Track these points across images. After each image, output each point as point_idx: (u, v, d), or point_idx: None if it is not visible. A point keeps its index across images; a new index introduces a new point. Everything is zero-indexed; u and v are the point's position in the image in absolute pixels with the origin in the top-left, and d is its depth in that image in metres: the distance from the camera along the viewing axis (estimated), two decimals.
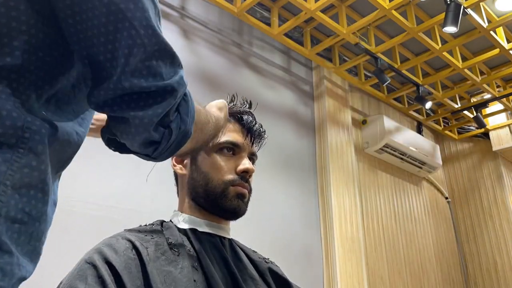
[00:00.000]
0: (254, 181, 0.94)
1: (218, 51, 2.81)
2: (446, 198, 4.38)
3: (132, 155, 0.72)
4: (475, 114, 3.82)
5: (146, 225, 0.88)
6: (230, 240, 0.92)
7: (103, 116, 0.85)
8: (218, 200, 0.87)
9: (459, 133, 4.47)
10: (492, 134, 4.20)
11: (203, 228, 0.88)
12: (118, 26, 0.53)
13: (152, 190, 2.14)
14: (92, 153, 2.05)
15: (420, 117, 4.18)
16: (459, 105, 3.98)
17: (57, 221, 1.92)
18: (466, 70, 3.36)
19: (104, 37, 0.53)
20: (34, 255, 0.52)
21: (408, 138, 3.75)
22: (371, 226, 3.34)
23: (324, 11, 2.92)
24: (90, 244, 0.81)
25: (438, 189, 4.34)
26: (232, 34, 2.97)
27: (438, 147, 4.10)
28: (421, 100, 3.54)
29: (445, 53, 3.15)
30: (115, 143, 0.65)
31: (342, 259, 2.85)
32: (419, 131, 4.28)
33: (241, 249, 0.93)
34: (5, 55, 0.50)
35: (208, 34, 2.80)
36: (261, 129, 0.97)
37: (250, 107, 0.97)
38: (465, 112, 4.00)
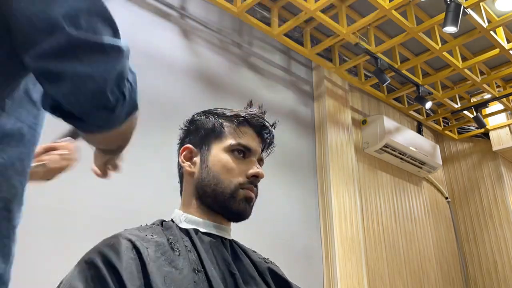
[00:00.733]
0: None
1: (218, 51, 2.81)
2: (446, 198, 4.38)
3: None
4: (475, 114, 3.82)
5: (146, 225, 0.88)
6: (231, 241, 0.92)
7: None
8: (227, 202, 0.87)
9: (459, 133, 4.48)
10: (492, 134, 4.20)
11: (205, 228, 0.88)
12: None
13: (152, 190, 2.14)
14: (92, 153, 2.05)
15: (420, 117, 4.18)
16: (459, 105, 3.98)
17: (57, 221, 1.93)
18: (466, 70, 3.36)
19: None
20: (4, 251, 0.51)
21: (408, 138, 3.75)
22: (371, 226, 3.34)
23: (324, 11, 2.92)
24: (90, 244, 0.81)
25: (438, 189, 4.34)
26: (232, 34, 2.97)
27: (438, 147, 4.10)
28: (421, 100, 3.54)
29: (445, 53, 3.15)
30: (60, 110, 0.60)
31: (342, 259, 2.85)
32: (419, 131, 4.28)
33: (242, 249, 0.93)
34: None
35: (208, 34, 2.80)
36: (273, 138, 0.98)
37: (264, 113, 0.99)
38: (465, 112, 4.00)
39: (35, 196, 1.79)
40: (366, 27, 3.21)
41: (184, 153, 0.94)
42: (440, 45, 3.11)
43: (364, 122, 3.70)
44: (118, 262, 0.71)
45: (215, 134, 0.92)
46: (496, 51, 3.18)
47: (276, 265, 0.97)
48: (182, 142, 0.97)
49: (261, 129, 0.95)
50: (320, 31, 3.34)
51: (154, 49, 2.47)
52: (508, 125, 4.13)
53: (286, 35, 3.06)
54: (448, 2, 2.61)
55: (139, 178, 2.15)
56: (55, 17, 0.53)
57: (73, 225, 1.87)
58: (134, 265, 0.72)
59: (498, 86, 3.90)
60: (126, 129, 0.71)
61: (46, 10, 0.52)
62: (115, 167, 0.87)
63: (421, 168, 3.94)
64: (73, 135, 0.90)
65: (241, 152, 0.91)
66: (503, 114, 4.20)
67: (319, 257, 2.87)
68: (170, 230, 0.85)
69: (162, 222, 0.89)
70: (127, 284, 0.69)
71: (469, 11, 2.72)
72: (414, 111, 4.13)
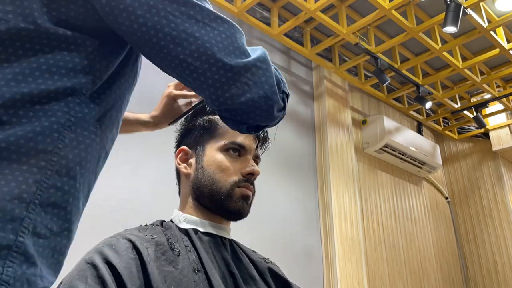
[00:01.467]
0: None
1: None
2: (446, 198, 4.38)
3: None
4: (475, 114, 3.82)
5: (146, 225, 0.88)
6: (231, 241, 0.92)
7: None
8: (223, 201, 0.87)
9: (459, 133, 4.47)
10: (492, 134, 4.20)
11: (204, 228, 0.88)
12: None
13: (152, 190, 2.14)
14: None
15: (420, 117, 4.18)
16: (459, 105, 3.98)
17: None
18: (466, 70, 3.36)
19: None
20: (57, 267, 0.56)
21: (408, 138, 3.75)
22: (371, 226, 3.34)
23: (324, 11, 2.91)
24: (90, 244, 0.81)
25: (438, 189, 4.34)
26: None
27: (438, 147, 4.10)
28: (421, 100, 3.54)
29: (445, 53, 3.15)
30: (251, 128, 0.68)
31: (342, 259, 2.85)
32: (419, 131, 4.28)
33: (241, 249, 0.93)
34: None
35: None
36: (267, 134, 0.97)
37: None
38: (465, 112, 4.00)
39: None
40: (366, 27, 3.21)
41: (180, 155, 0.94)
42: (440, 45, 3.11)
43: (364, 122, 3.70)
44: (118, 262, 0.71)
45: (209, 134, 0.92)
46: (496, 51, 3.18)
47: (276, 265, 0.97)
48: (178, 144, 0.97)
49: None
50: (320, 31, 3.34)
51: None
52: (508, 125, 4.13)
53: (286, 35, 3.06)
54: (448, 2, 2.61)
55: (139, 178, 2.15)
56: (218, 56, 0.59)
57: None
58: (134, 265, 0.72)
59: (498, 86, 3.90)
60: None
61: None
62: None
63: (421, 168, 3.94)
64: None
65: (236, 150, 0.90)
66: (503, 114, 4.20)
67: (319, 257, 2.87)
68: (170, 230, 0.85)
69: (162, 223, 0.89)
70: (127, 284, 0.69)
71: (469, 11, 2.71)
72: (414, 111, 4.13)
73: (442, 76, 3.58)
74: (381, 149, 3.55)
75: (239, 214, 0.89)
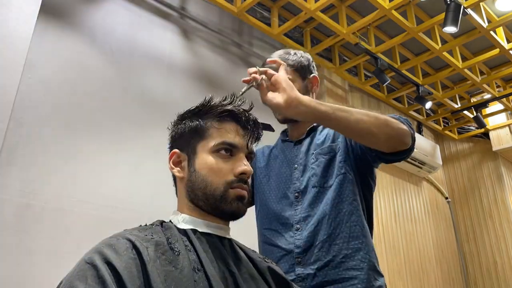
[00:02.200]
0: None
1: (218, 51, 2.81)
2: (446, 198, 4.38)
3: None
4: (475, 114, 3.82)
5: (146, 225, 0.88)
6: (230, 240, 0.92)
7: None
8: (218, 204, 0.86)
9: (459, 133, 4.48)
10: (492, 134, 4.20)
11: (202, 228, 0.87)
12: None
13: (152, 190, 2.14)
14: (93, 154, 2.05)
15: (420, 117, 4.18)
16: (459, 105, 3.98)
17: (57, 221, 1.92)
18: (466, 70, 3.36)
19: None
20: None
21: None
22: None
23: (324, 11, 2.92)
24: (90, 244, 0.81)
25: (438, 189, 4.34)
26: (232, 34, 2.97)
27: (438, 147, 4.10)
28: (421, 100, 3.54)
29: (445, 53, 3.15)
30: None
31: None
32: (419, 131, 4.28)
33: (241, 248, 0.92)
34: None
35: (208, 34, 2.80)
36: (257, 124, 0.95)
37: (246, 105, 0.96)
38: (465, 112, 4.00)
39: (35, 196, 1.80)
40: (366, 27, 3.21)
41: (173, 158, 0.93)
42: (440, 45, 3.11)
43: None
44: (118, 262, 0.71)
45: (198, 135, 0.91)
46: (496, 51, 3.18)
47: (276, 265, 0.97)
48: (170, 147, 0.96)
49: (244, 122, 0.92)
50: (320, 31, 3.34)
51: (154, 49, 2.47)
52: (508, 125, 4.13)
53: (286, 35, 3.06)
54: (448, 2, 2.61)
55: (139, 178, 2.15)
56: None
57: (73, 225, 1.87)
58: (134, 265, 0.72)
59: (498, 86, 3.90)
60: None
61: None
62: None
63: (421, 168, 3.94)
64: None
65: (227, 150, 0.89)
66: (503, 114, 4.21)
67: None
68: (169, 230, 0.85)
69: (161, 223, 0.89)
70: (127, 284, 0.68)
71: (469, 11, 2.72)
72: (414, 111, 4.13)
73: (442, 76, 3.58)
74: None
75: (235, 215, 0.88)
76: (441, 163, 4.05)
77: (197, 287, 0.74)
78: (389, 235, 3.48)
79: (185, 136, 0.93)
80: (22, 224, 1.73)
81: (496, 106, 4.08)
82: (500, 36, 3.08)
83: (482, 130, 4.21)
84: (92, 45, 2.21)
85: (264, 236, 1.29)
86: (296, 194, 1.23)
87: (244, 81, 1.05)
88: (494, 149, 4.15)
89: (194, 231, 0.86)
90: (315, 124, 1.34)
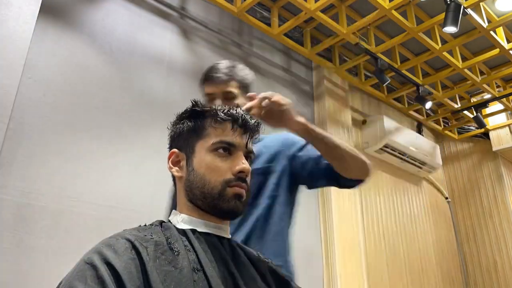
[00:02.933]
0: None
1: (218, 51, 2.81)
2: (446, 198, 4.38)
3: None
4: (475, 114, 3.82)
5: (145, 225, 0.88)
6: (229, 240, 0.92)
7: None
8: (216, 202, 0.86)
9: (459, 133, 4.47)
10: (492, 134, 4.20)
11: (202, 228, 0.87)
12: None
13: (152, 190, 2.14)
14: (93, 154, 2.05)
15: (420, 117, 4.18)
16: (459, 105, 3.98)
17: (57, 221, 1.92)
18: (466, 70, 3.36)
19: None
20: None
21: (408, 138, 3.75)
22: (371, 226, 3.34)
23: (324, 11, 2.92)
24: (90, 244, 0.81)
25: (438, 189, 4.34)
26: (232, 34, 2.97)
27: (438, 147, 4.10)
28: (421, 100, 3.54)
29: (445, 53, 3.15)
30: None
31: (342, 259, 2.85)
32: (419, 131, 4.28)
33: (240, 248, 0.92)
34: None
35: (208, 34, 2.80)
36: (255, 123, 0.95)
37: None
38: (465, 112, 4.00)
39: (35, 196, 1.80)
40: (366, 27, 3.21)
41: (171, 158, 0.93)
42: (440, 45, 3.11)
43: (364, 122, 3.70)
44: (117, 262, 0.71)
45: (197, 134, 0.91)
46: (496, 51, 3.18)
47: (276, 265, 0.97)
48: (169, 147, 0.97)
49: (242, 120, 0.92)
50: (320, 31, 3.34)
51: (154, 49, 2.47)
52: (508, 125, 4.13)
53: (286, 35, 3.06)
54: (448, 2, 2.61)
55: (139, 178, 2.15)
56: None
57: (73, 225, 1.87)
58: (134, 265, 0.72)
59: (498, 86, 3.90)
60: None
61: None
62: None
63: (421, 168, 3.94)
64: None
65: (226, 149, 0.89)
66: (503, 114, 4.21)
67: (319, 257, 2.87)
68: (169, 230, 0.85)
69: (161, 223, 0.89)
70: (126, 284, 0.69)
71: (469, 11, 2.72)
72: (414, 111, 4.13)
73: (442, 76, 3.58)
74: (381, 149, 3.55)
75: (233, 213, 0.88)
76: (441, 163, 4.05)
77: (196, 287, 0.74)
78: (389, 235, 3.48)
79: (184, 136, 0.93)
80: (22, 224, 1.73)
81: (496, 106, 4.08)
82: (500, 36, 3.08)
83: (482, 130, 4.21)
84: (92, 45, 2.21)
85: None
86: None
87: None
88: (494, 149, 4.15)
89: (193, 231, 0.86)
90: None
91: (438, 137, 4.58)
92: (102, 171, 2.04)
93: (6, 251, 1.67)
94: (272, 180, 1.29)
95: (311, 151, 1.28)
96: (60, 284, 0.72)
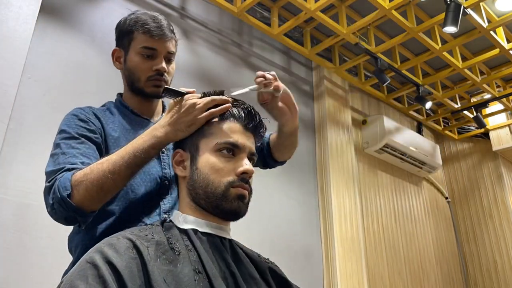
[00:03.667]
0: (254, 181, 0.94)
1: (218, 51, 2.81)
2: (446, 198, 4.38)
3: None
4: (475, 114, 3.82)
5: (146, 225, 0.88)
6: (230, 241, 0.92)
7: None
8: (219, 202, 0.86)
9: (459, 133, 4.48)
10: (492, 134, 4.20)
11: (203, 228, 0.88)
12: None
13: None
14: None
15: (420, 117, 4.18)
16: (459, 105, 3.98)
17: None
18: (466, 70, 3.36)
19: None
20: None
21: (408, 138, 3.75)
22: (371, 226, 3.34)
23: (324, 11, 2.92)
24: None
25: (438, 189, 4.34)
26: (232, 34, 2.97)
27: (438, 147, 4.10)
28: (421, 100, 3.54)
29: (445, 53, 3.15)
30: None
31: (342, 259, 2.85)
32: (419, 131, 4.28)
33: (241, 249, 0.93)
34: None
35: (208, 34, 2.80)
36: (260, 124, 0.95)
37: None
38: (465, 112, 4.00)
39: (35, 196, 1.80)
40: (366, 27, 3.21)
41: (175, 157, 0.94)
42: (440, 45, 3.11)
43: (364, 122, 3.70)
44: (118, 261, 0.71)
45: (202, 135, 0.91)
46: (496, 51, 3.18)
47: (276, 265, 0.97)
48: (174, 147, 0.97)
49: (247, 122, 0.93)
50: (320, 31, 3.34)
51: None
52: (508, 125, 4.13)
53: (286, 35, 3.06)
54: (448, 2, 2.61)
55: None
56: None
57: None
58: (135, 264, 0.72)
59: (498, 86, 3.90)
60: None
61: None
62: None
63: (421, 168, 3.94)
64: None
65: (229, 150, 0.89)
66: (503, 114, 4.20)
67: (319, 257, 2.87)
68: (170, 230, 0.85)
69: (162, 223, 0.89)
70: (127, 284, 0.69)
71: (469, 11, 2.72)
72: (414, 111, 4.13)
73: (442, 76, 3.58)
74: (381, 149, 3.55)
75: (235, 214, 0.88)
76: (441, 163, 4.05)
77: (197, 286, 0.74)
78: (389, 235, 3.48)
79: (189, 136, 0.93)
80: (22, 224, 1.73)
81: (496, 106, 4.08)
82: (500, 36, 3.08)
83: (482, 130, 4.21)
84: (92, 45, 2.21)
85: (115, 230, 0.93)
86: (166, 182, 1.06)
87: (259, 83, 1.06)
88: (494, 149, 4.15)
89: (195, 231, 0.86)
90: (165, 105, 1.30)
91: (438, 137, 4.58)
92: None
93: (6, 251, 1.67)
94: None
95: None
96: (61, 283, 0.72)
